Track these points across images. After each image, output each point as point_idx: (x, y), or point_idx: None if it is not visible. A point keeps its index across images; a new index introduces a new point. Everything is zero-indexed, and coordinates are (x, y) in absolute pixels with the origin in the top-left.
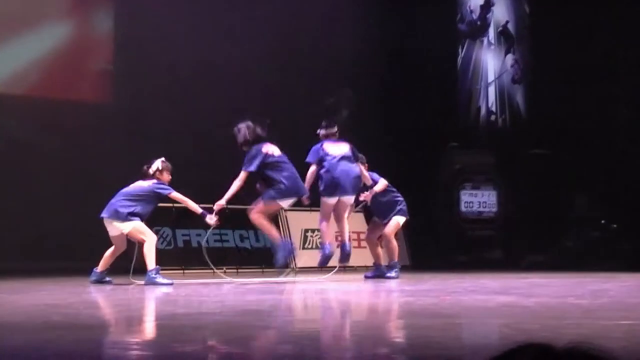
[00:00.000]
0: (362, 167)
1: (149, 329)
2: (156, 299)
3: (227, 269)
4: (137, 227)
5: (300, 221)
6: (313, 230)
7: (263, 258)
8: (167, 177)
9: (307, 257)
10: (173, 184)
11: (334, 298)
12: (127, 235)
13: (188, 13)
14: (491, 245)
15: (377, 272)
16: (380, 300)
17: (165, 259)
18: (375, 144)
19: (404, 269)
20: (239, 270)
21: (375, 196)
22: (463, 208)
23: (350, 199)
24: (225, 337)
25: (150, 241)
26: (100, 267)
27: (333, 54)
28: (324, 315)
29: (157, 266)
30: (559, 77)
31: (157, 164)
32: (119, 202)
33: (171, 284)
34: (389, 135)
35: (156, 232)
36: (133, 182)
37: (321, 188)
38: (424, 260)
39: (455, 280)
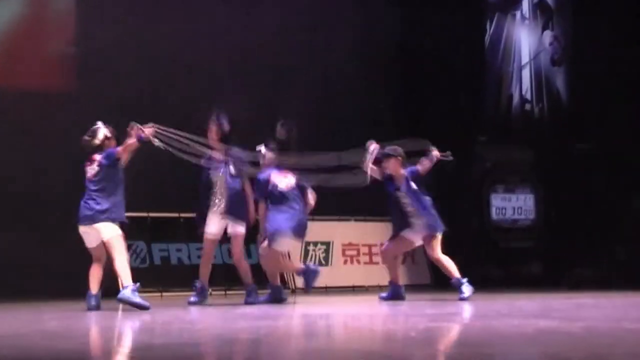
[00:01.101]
0: (396, 161)
1: None
2: (128, 328)
3: (213, 290)
4: (115, 239)
5: None
6: (316, 244)
7: (257, 276)
8: (114, 142)
9: None
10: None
11: (341, 324)
12: (104, 242)
13: None
14: (528, 258)
15: (393, 293)
16: (396, 327)
17: (138, 278)
18: (392, 139)
19: (425, 288)
20: (227, 292)
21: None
22: (494, 215)
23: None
24: None
25: (124, 257)
26: (94, 290)
27: (347, 35)
28: (329, 345)
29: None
30: (607, 58)
31: (103, 130)
32: (84, 201)
33: (148, 308)
34: (406, 128)
35: (128, 247)
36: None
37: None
38: (448, 278)
39: (486, 301)
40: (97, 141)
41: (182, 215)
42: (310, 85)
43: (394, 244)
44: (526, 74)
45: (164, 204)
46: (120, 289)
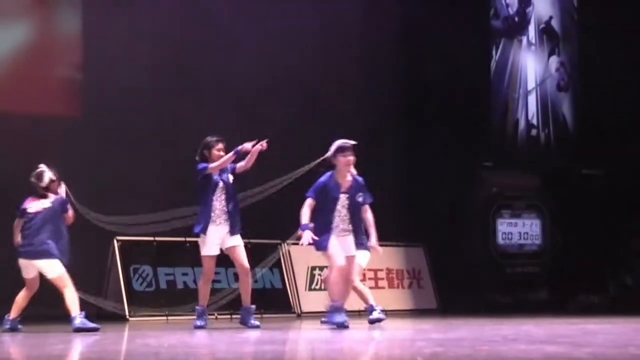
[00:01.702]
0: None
1: None
2: (133, 352)
3: (218, 314)
4: (63, 276)
5: (306, 257)
6: (321, 268)
7: (262, 301)
8: (58, 184)
9: (314, 300)
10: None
11: (347, 349)
12: (50, 280)
13: (171, 5)
14: (535, 284)
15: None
16: (402, 351)
17: (144, 302)
18: (396, 163)
19: (431, 312)
20: (233, 316)
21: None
22: (500, 240)
23: None
24: None
25: (73, 289)
26: (13, 314)
27: (349, 57)
28: None
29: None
30: (613, 83)
31: (48, 174)
32: (28, 235)
33: (98, 329)
34: (412, 153)
35: (134, 271)
36: (23, 207)
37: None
38: (455, 303)
39: (493, 326)
40: (43, 184)
41: (188, 239)
42: (312, 107)
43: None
44: (532, 100)
45: (170, 229)
46: (71, 317)
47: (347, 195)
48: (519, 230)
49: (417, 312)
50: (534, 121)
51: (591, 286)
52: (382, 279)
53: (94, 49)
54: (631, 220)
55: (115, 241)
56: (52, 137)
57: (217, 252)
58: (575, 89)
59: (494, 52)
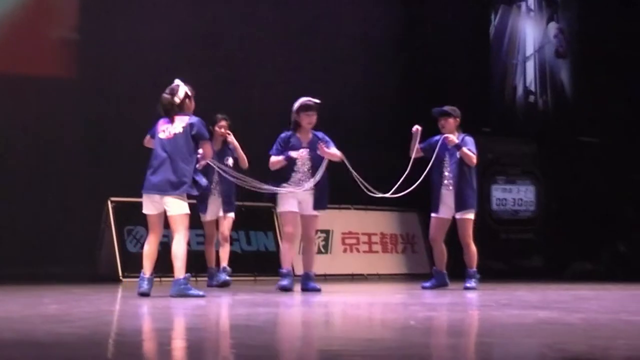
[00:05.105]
0: (454, 122)
1: (115, 348)
2: (126, 313)
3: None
4: (183, 217)
5: None
6: (315, 232)
7: (256, 264)
8: (194, 104)
9: None
10: None
11: (341, 312)
12: (170, 217)
13: None
14: (528, 250)
15: (437, 281)
16: (395, 316)
17: (138, 264)
18: (393, 128)
19: (423, 277)
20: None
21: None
22: (495, 206)
23: None
24: (204, 359)
25: (185, 240)
26: (148, 272)
27: (346, 22)
28: (327, 332)
29: (188, 274)
30: (612, 50)
31: (184, 88)
32: (155, 168)
33: (203, 296)
34: (409, 119)
35: (128, 232)
36: (152, 128)
37: None
38: (448, 268)
39: (486, 291)
40: (177, 99)
41: None
42: (309, 82)
43: (431, 227)
44: (530, 66)
45: None
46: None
47: (307, 150)
48: (513, 196)
49: (410, 277)
50: (532, 87)
51: (585, 254)
52: (376, 243)
53: (90, 9)
54: (626, 188)
55: (109, 202)
56: (48, 98)
57: None
58: (574, 55)
59: (492, 18)
